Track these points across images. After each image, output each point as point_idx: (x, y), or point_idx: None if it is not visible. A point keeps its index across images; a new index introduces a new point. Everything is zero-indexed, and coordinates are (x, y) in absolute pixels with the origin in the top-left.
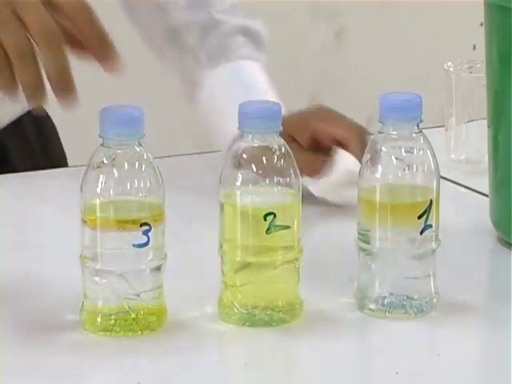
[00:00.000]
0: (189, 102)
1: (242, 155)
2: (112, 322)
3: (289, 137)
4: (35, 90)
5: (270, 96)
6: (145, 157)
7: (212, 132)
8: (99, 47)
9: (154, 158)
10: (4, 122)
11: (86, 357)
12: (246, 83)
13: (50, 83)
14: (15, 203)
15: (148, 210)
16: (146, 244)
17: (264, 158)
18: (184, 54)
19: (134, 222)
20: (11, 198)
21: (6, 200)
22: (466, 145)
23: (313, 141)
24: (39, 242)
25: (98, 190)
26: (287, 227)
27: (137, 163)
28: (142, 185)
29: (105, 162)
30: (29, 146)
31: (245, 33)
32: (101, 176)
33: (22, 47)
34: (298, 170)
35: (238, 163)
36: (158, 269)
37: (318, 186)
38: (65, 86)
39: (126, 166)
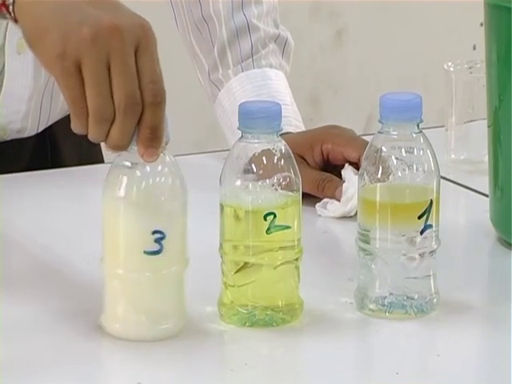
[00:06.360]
0: (210, 99)
1: (242, 155)
2: None
3: (297, 156)
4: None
5: (291, 109)
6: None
7: (230, 133)
8: (149, 138)
9: None
10: (58, 116)
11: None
12: (270, 94)
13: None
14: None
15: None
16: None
17: (264, 158)
18: (212, 50)
19: None
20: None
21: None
22: (465, 145)
23: (324, 161)
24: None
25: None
26: (287, 227)
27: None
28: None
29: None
30: (78, 140)
31: (276, 41)
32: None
33: (101, 112)
34: (298, 170)
35: (239, 163)
36: None
37: (327, 211)
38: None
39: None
